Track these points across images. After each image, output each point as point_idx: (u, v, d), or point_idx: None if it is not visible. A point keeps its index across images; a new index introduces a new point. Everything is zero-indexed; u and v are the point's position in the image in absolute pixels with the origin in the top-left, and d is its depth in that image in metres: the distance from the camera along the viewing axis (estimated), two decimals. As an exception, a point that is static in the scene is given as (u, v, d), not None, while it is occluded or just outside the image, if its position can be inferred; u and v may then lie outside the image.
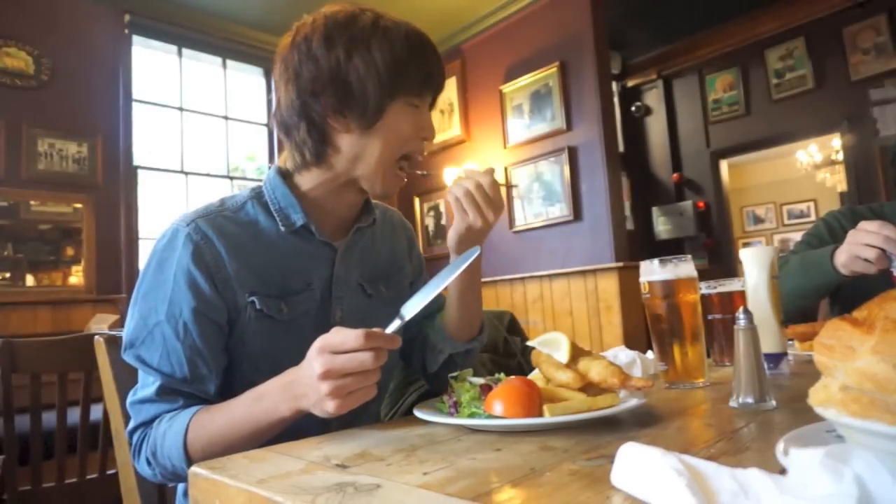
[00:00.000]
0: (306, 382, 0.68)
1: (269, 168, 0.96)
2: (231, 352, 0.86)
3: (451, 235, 0.91)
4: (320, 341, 0.67)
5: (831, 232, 1.48)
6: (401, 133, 0.88)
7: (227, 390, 0.84)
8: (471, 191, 0.88)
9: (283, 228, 0.89)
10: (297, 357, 0.71)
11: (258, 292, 0.85)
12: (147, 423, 0.82)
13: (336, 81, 0.85)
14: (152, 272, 0.84)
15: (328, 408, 0.67)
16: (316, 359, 0.67)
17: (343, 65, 0.84)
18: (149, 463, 0.81)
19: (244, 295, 0.84)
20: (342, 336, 0.66)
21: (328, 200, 0.94)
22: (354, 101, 0.85)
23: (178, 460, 0.77)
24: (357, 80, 0.84)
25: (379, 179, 0.90)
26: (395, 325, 0.71)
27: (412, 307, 0.72)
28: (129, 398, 0.84)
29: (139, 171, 4.03)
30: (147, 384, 0.82)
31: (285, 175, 0.94)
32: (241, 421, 0.75)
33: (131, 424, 0.84)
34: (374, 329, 0.67)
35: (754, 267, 0.96)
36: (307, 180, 0.92)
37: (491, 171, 0.90)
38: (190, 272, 0.81)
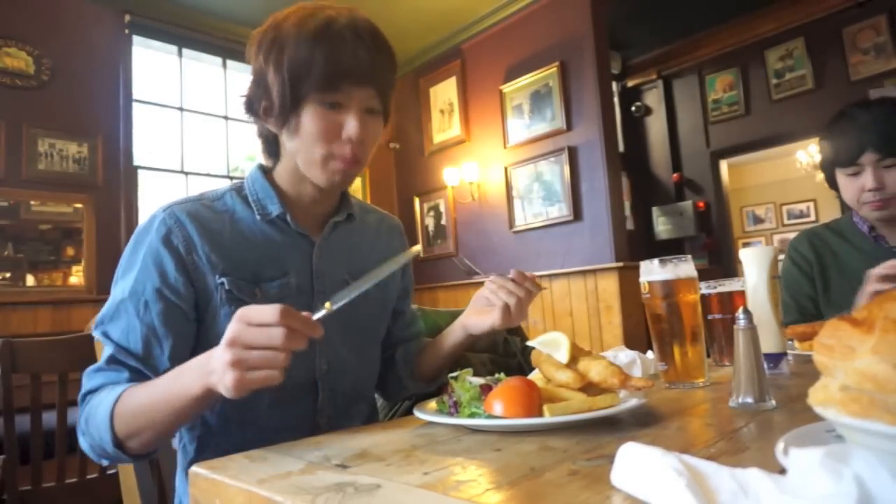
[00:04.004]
0: (216, 354, 0.66)
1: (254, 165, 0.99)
2: (204, 338, 0.86)
3: (484, 325, 0.94)
4: (240, 311, 0.65)
5: (800, 268, 1.48)
6: (316, 134, 0.85)
7: None
8: (523, 300, 0.93)
9: (259, 218, 0.91)
10: None
11: (230, 275, 0.86)
12: (93, 392, 0.81)
13: (260, 85, 0.88)
14: (128, 254, 0.86)
15: (227, 380, 0.63)
16: (230, 326, 0.64)
17: (263, 69, 0.87)
18: (83, 433, 0.79)
19: (215, 277, 0.85)
20: (261, 309, 0.64)
21: (300, 193, 0.95)
22: (272, 104, 0.87)
23: (104, 432, 0.75)
24: (272, 84, 0.86)
25: (318, 176, 0.89)
26: (320, 313, 0.69)
27: (340, 298, 0.71)
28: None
29: (139, 171, 4.02)
30: (103, 355, 0.83)
31: (266, 170, 0.97)
32: (159, 396, 0.73)
33: (80, 392, 0.83)
34: (303, 313, 0.65)
35: (754, 267, 0.96)
36: (281, 173, 0.95)
37: (534, 278, 0.95)
38: (158, 253, 0.83)
